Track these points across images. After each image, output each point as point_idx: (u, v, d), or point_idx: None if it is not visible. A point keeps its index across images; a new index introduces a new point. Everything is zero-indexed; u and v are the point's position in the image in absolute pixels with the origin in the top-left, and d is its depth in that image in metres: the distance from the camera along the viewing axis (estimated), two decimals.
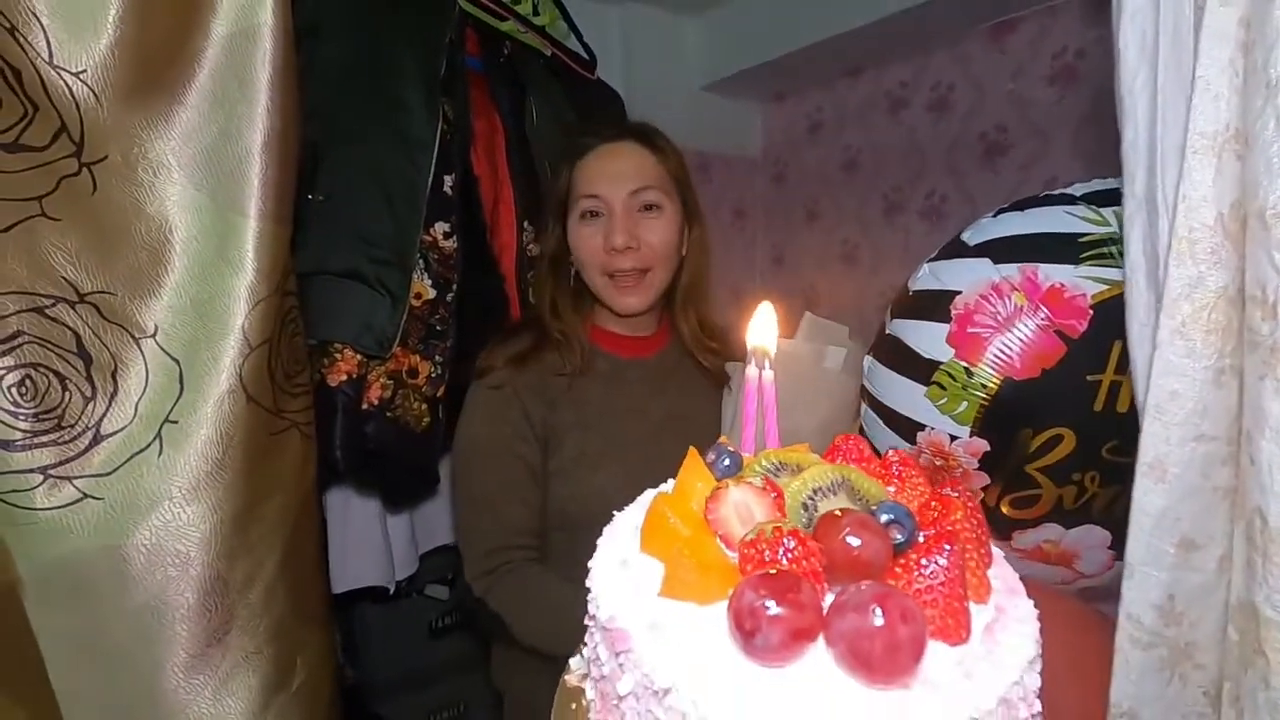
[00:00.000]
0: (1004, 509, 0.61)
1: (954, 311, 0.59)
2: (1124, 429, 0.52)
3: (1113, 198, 0.57)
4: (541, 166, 1.30)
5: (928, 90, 2.05)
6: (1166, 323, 0.41)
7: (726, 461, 0.41)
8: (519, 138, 1.29)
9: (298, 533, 0.81)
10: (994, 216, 0.62)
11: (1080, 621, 0.57)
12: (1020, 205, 0.62)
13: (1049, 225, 0.58)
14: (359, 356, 0.98)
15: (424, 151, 1.03)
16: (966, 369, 0.58)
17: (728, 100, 2.39)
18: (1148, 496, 0.42)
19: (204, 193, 0.71)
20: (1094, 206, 0.58)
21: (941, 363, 0.59)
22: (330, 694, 0.83)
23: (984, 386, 0.57)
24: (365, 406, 1.00)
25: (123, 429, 0.67)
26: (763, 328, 0.42)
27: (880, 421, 0.65)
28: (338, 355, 0.98)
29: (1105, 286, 0.55)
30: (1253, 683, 0.38)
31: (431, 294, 1.05)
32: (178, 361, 0.70)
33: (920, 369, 0.61)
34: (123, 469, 0.67)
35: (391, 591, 1.28)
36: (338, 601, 1.24)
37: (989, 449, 0.58)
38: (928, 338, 0.60)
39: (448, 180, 1.08)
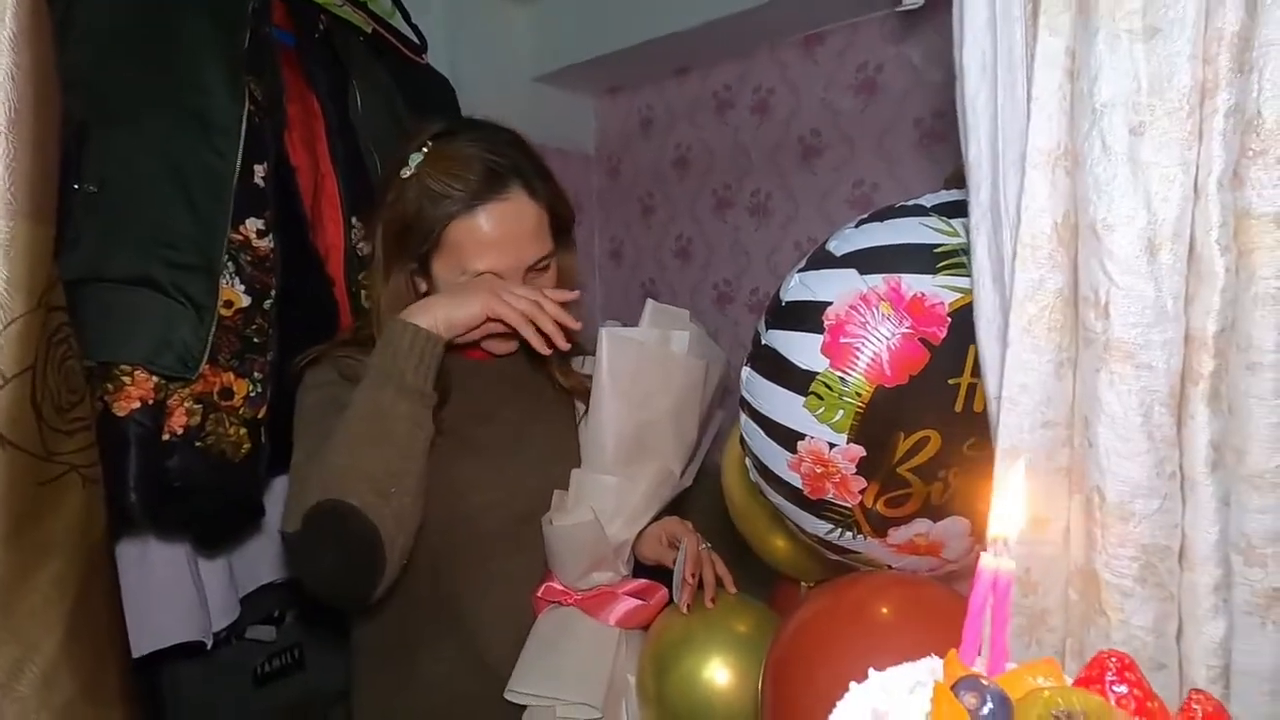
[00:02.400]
0: (880, 509, 0.64)
1: (826, 322, 0.61)
2: (979, 426, 0.57)
3: (960, 209, 0.62)
4: (369, 157, 1.18)
5: (750, 93, 2.16)
6: (1015, 322, 0.46)
7: (989, 707, 0.30)
8: (341, 124, 1.16)
9: (84, 600, 0.66)
10: (856, 226, 0.65)
11: (952, 606, 0.63)
12: (879, 216, 0.65)
13: (907, 236, 0.62)
14: (155, 379, 0.82)
15: (227, 136, 0.88)
16: (841, 378, 0.60)
17: (560, 93, 2.36)
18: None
19: None
20: (944, 218, 0.62)
21: (817, 373, 0.61)
22: None
23: (858, 395, 0.59)
24: (167, 437, 0.84)
25: None
26: (1010, 507, 0.33)
27: (761, 432, 0.66)
28: (125, 379, 0.81)
29: (959, 294, 0.59)
30: (1095, 639, 0.44)
31: (245, 301, 0.91)
32: None
33: (798, 380, 0.62)
34: None
35: (209, 645, 1.10)
36: (142, 662, 1.05)
37: (865, 454, 0.61)
38: (803, 348, 0.62)
39: (259, 170, 0.94)
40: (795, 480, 0.65)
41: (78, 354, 0.69)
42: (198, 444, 0.86)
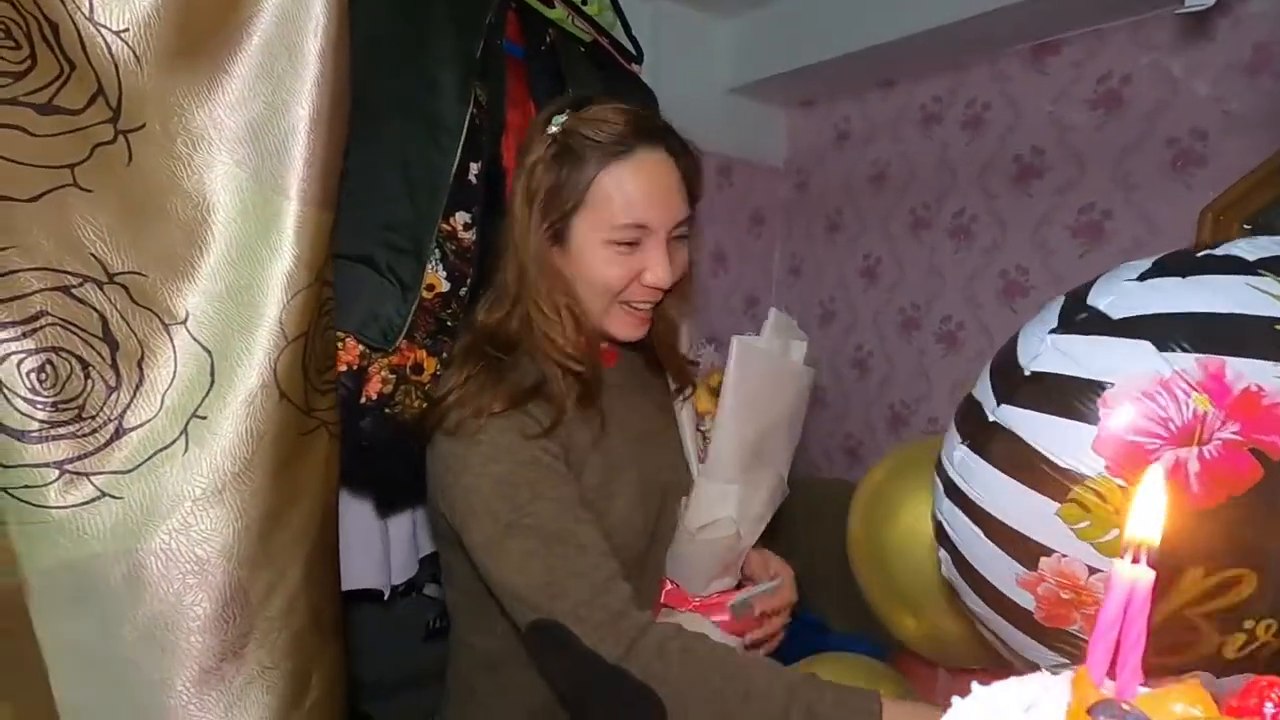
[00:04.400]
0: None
1: (1104, 410, 0.45)
2: None
3: None
4: None
5: (963, 107, 2.02)
6: None
7: None
8: None
9: (321, 541, 0.75)
10: (1139, 280, 0.48)
11: None
12: (1175, 268, 0.46)
13: (1230, 302, 0.44)
14: (361, 347, 0.92)
15: (450, 135, 0.97)
16: (1124, 488, 0.44)
17: (754, 104, 2.35)
18: None
19: (246, 171, 0.66)
20: None
21: (1087, 477, 0.45)
22: (340, 710, 0.78)
23: None
24: (363, 400, 0.93)
25: (147, 422, 0.62)
26: (1152, 509, 0.29)
27: (979, 533, 0.51)
28: (339, 345, 0.91)
29: None
30: None
31: (445, 287, 0.98)
32: (209, 352, 0.64)
33: (1052, 481, 0.47)
34: (145, 466, 0.61)
35: (386, 596, 1.22)
36: None
37: None
38: (1065, 441, 0.46)
39: (473, 168, 1.01)
40: (1025, 600, 0.51)
41: (334, 325, 0.80)
42: (387, 410, 0.94)
